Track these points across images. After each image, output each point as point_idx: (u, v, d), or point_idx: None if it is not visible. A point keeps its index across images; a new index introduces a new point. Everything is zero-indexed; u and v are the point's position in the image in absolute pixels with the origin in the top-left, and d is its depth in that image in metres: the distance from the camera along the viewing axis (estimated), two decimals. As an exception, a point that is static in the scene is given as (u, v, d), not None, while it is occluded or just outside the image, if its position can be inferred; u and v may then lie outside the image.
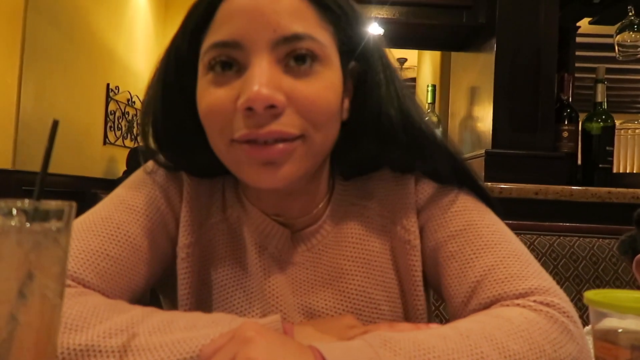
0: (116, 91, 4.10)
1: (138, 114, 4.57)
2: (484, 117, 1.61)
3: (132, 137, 4.44)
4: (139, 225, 0.63)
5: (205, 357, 0.45)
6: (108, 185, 0.70)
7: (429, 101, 1.81)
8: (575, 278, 1.13)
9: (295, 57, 0.55)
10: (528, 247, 1.14)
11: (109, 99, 4.02)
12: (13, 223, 0.37)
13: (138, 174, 0.68)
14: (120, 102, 4.20)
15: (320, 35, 0.56)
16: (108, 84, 3.99)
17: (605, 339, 0.44)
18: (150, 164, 0.69)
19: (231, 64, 0.55)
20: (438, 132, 0.65)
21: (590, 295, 0.45)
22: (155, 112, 0.63)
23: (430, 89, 1.85)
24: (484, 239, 0.59)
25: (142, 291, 0.63)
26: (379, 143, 0.62)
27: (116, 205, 0.64)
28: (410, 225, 0.64)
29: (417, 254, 0.64)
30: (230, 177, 0.67)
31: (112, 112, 4.08)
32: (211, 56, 0.56)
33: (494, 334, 0.48)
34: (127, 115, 4.33)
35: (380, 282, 0.66)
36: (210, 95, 0.56)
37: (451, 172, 0.64)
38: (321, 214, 0.66)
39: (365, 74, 0.61)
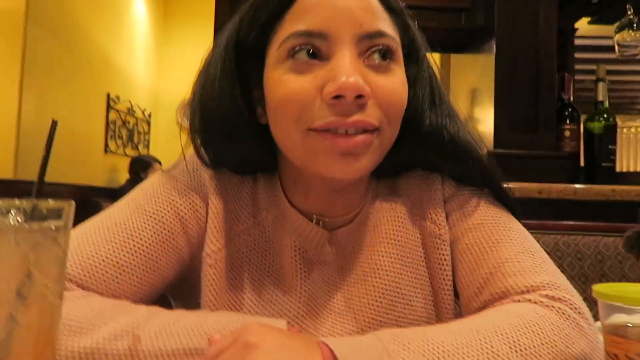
0: (117, 100, 4.11)
1: (139, 123, 4.64)
2: (485, 118, 1.60)
3: (133, 145, 4.45)
4: (155, 233, 0.60)
5: (208, 359, 0.45)
6: (110, 193, 0.68)
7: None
8: (581, 277, 1.12)
9: (377, 52, 0.57)
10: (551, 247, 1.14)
11: (110, 108, 4.03)
12: (11, 222, 0.37)
13: (158, 178, 0.66)
14: (121, 111, 4.21)
15: (395, 36, 0.59)
16: (108, 94, 4.00)
17: (616, 333, 0.43)
18: (177, 165, 0.66)
19: (315, 53, 0.56)
20: (470, 135, 0.66)
21: (599, 288, 0.44)
22: (205, 103, 0.61)
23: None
24: (499, 234, 0.61)
25: (151, 299, 0.62)
26: (420, 146, 0.64)
27: (132, 210, 0.61)
28: (440, 220, 0.65)
29: (447, 248, 0.64)
30: (263, 180, 0.67)
31: (113, 121, 4.09)
32: (294, 44, 0.55)
33: (505, 329, 0.48)
34: (127, 124, 4.34)
35: (413, 278, 0.66)
36: (291, 83, 0.55)
37: (477, 175, 0.66)
38: (357, 213, 0.66)
39: (415, 78, 0.63)
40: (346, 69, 0.53)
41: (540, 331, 0.49)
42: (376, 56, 0.56)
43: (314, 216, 0.65)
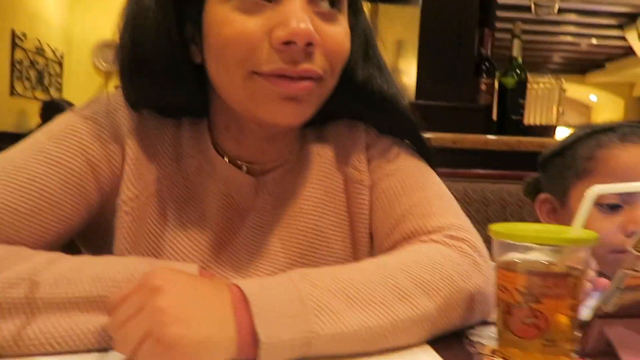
0: (23, 38, 3.75)
1: (49, 64, 4.28)
2: (409, 70, 1.64)
3: (44, 88, 4.12)
4: (60, 179, 0.57)
5: (112, 306, 0.44)
6: (17, 139, 0.63)
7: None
8: (485, 221, 1.22)
9: (323, 6, 0.56)
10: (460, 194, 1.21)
11: (15, 46, 3.67)
12: None
13: (66, 119, 0.61)
14: (29, 50, 3.86)
15: None
16: (13, 30, 3.63)
17: (505, 268, 0.47)
18: (90, 106, 0.62)
19: None
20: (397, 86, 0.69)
21: (493, 227, 0.48)
22: (136, 36, 0.57)
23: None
24: (413, 180, 0.65)
25: (55, 247, 0.59)
26: (350, 97, 0.65)
27: (35, 153, 0.57)
28: (362, 166, 0.68)
29: (367, 193, 0.67)
30: (189, 125, 0.65)
31: (19, 61, 3.74)
32: None
33: (410, 266, 0.52)
34: (36, 65, 3.99)
35: (334, 221, 0.68)
36: (237, 23, 0.53)
37: (400, 126, 0.69)
38: (286, 159, 0.67)
39: (353, 29, 0.62)
40: (298, 14, 0.52)
41: (441, 267, 0.53)
42: (325, 4, 0.56)
43: (243, 164, 0.65)
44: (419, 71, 1.55)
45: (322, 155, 0.70)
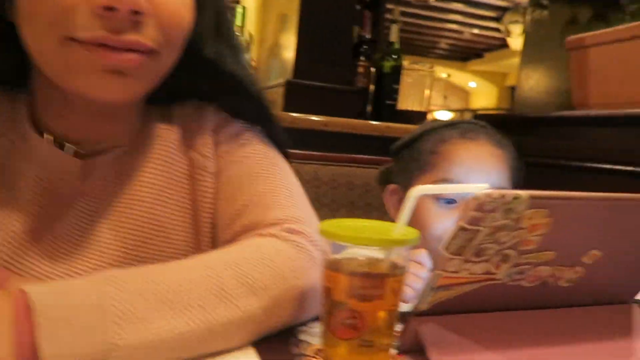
0: None
1: None
2: (289, 46, 1.60)
3: None
4: None
5: None
6: None
7: (237, 24, 1.73)
8: (349, 205, 1.24)
9: None
10: (312, 176, 1.21)
11: None
12: None
13: None
14: None
15: None
16: None
17: (330, 267, 0.46)
18: None
19: None
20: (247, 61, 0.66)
21: (322, 225, 0.47)
22: None
23: (240, 10, 1.76)
24: (260, 168, 0.62)
25: None
26: (197, 74, 0.62)
27: None
28: (207, 151, 0.63)
29: (212, 180, 0.63)
30: (2, 98, 0.56)
31: None
32: None
33: (239, 263, 0.49)
34: None
35: (174, 211, 0.63)
36: None
37: (252, 111, 0.66)
38: (122, 140, 0.61)
39: (203, 2, 0.58)
40: None
41: (273, 264, 0.50)
42: None
43: (70, 145, 0.57)
44: (298, 49, 1.52)
45: (164, 138, 0.64)
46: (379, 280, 0.45)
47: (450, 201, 0.79)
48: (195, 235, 0.65)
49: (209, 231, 0.64)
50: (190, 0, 0.55)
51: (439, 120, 0.87)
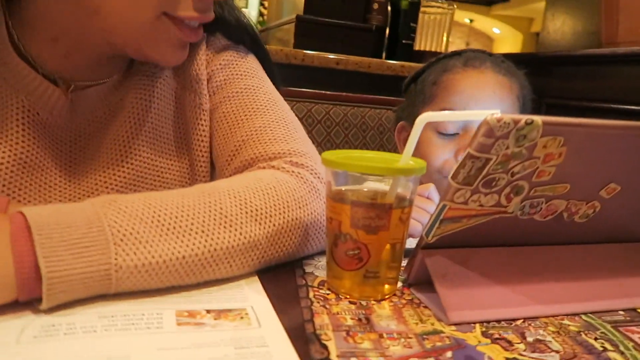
0: None
1: None
2: (300, -19, 1.53)
3: None
4: None
5: None
6: None
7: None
8: (362, 146, 1.22)
9: None
10: (323, 117, 1.18)
11: None
12: None
13: None
14: None
15: None
16: None
17: (333, 197, 0.45)
18: None
19: None
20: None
21: (325, 155, 0.45)
22: None
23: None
24: (257, 103, 0.62)
25: None
26: None
27: None
28: (201, 89, 0.63)
29: (207, 118, 0.63)
30: None
31: None
32: None
33: (240, 192, 0.48)
34: None
35: (168, 149, 0.63)
36: None
37: (244, 35, 0.67)
38: (111, 73, 0.61)
39: None
40: None
41: (275, 194, 0.50)
42: None
43: (59, 79, 0.56)
44: (309, -17, 1.45)
45: (157, 81, 0.63)
46: (384, 211, 0.44)
47: (451, 132, 0.76)
48: (191, 174, 0.65)
49: (206, 170, 0.64)
50: None
51: (447, 52, 0.83)
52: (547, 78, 1.59)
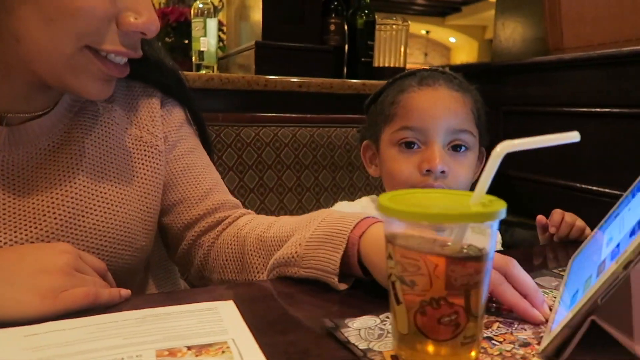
0: None
1: None
2: (256, 7, 1.55)
3: None
4: None
5: None
6: None
7: (203, -14, 1.66)
8: (331, 165, 1.23)
9: None
10: (290, 139, 1.19)
11: None
12: None
13: None
14: None
15: None
16: None
17: (420, 255, 0.37)
18: None
19: None
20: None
21: (383, 201, 0.38)
22: None
23: (204, -28, 1.69)
24: (205, 160, 0.76)
25: None
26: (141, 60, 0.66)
27: None
28: (158, 132, 0.70)
29: (163, 160, 0.69)
30: None
31: None
32: None
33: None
34: None
35: (118, 183, 0.65)
36: None
37: (178, 90, 0.74)
38: (55, 105, 0.62)
39: None
40: (149, 3, 0.55)
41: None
42: None
43: None
44: (265, 10, 1.47)
45: (103, 116, 0.66)
46: (479, 263, 0.37)
47: (409, 145, 0.79)
48: (140, 206, 0.67)
49: (156, 203, 0.69)
50: None
51: (403, 72, 0.86)
52: (503, 86, 1.66)
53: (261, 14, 1.47)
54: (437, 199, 0.41)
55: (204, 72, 1.57)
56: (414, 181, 0.77)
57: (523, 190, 1.59)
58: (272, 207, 1.17)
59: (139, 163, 0.67)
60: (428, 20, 11.28)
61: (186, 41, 1.76)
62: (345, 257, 0.54)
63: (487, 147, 0.87)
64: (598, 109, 1.35)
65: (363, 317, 0.47)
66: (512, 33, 1.89)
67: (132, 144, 0.68)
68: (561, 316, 0.41)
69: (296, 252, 0.57)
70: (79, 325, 0.44)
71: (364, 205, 0.86)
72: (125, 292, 0.52)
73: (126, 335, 0.42)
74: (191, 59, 1.63)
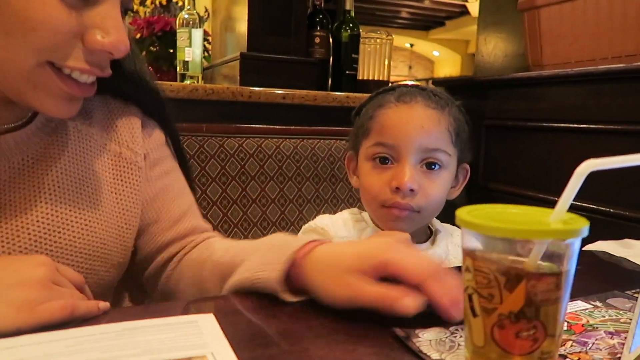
0: None
1: None
2: (241, 19, 1.56)
3: None
4: None
5: None
6: None
7: (188, -3, 1.66)
8: (314, 177, 1.24)
9: (126, 8, 0.57)
10: (274, 151, 1.20)
11: None
12: None
13: None
14: None
15: None
16: None
17: (497, 270, 0.38)
18: None
19: None
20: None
21: (465, 217, 0.38)
22: None
23: (190, -17, 1.70)
24: (182, 183, 0.76)
25: None
26: (120, 75, 0.66)
27: None
28: (138, 149, 0.69)
29: (142, 176, 0.69)
30: None
31: None
32: None
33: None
34: None
35: (95, 198, 0.64)
36: (53, 11, 0.49)
37: (157, 110, 0.74)
38: (31, 119, 0.61)
39: None
40: (119, 22, 0.53)
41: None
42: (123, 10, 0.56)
43: None
44: (250, 21, 1.48)
45: (82, 132, 0.65)
46: (559, 279, 0.37)
47: (383, 160, 0.79)
48: (121, 224, 0.66)
49: (135, 219, 0.68)
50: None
51: (387, 86, 0.87)
52: (485, 101, 1.68)
53: (247, 26, 1.48)
54: (516, 215, 0.42)
55: (188, 82, 1.57)
56: (383, 197, 0.77)
57: (505, 203, 1.61)
58: (255, 219, 1.17)
59: (118, 179, 0.67)
60: (412, 33, 11.45)
61: (171, 50, 1.76)
62: (291, 274, 0.54)
63: (471, 163, 0.87)
64: (576, 125, 1.38)
65: (434, 328, 0.47)
66: (494, 48, 1.93)
67: (112, 160, 0.67)
68: None
69: (247, 278, 0.56)
70: (56, 339, 0.43)
71: (345, 219, 0.86)
72: (103, 304, 0.51)
73: (104, 349, 0.42)
74: (176, 68, 1.63)
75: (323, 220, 0.85)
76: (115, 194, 0.66)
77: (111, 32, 0.52)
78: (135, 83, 0.69)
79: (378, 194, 0.78)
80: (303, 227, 0.86)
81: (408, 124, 0.77)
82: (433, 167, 0.78)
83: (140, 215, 0.70)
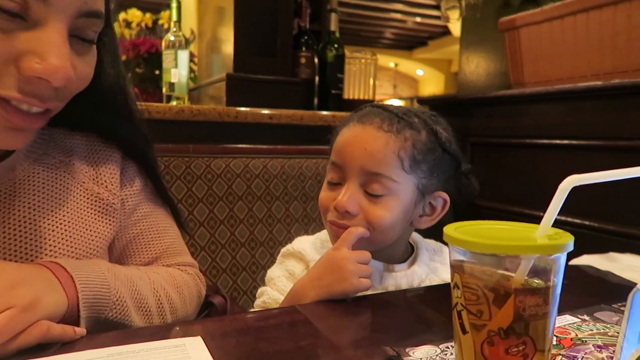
0: None
1: None
2: (227, 40, 1.57)
3: None
4: None
5: None
6: None
7: (174, 19, 1.68)
8: (302, 196, 1.24)
9: (83, 37, 0.53)
10: (261, 170, 1.20)
11: None
12: None
13: None
14: None
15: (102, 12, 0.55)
16: None
17: (485, 286, 0.39)
18: None
19: (20, 14, 0.47)
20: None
21: (451, 233, 0.40)
22: None
23: (174, 5, 1.71)
24: (164, 223, 0.76)
25: None
26: (97, 108, 0.66)
27: None
28: (116, 191, 0.69)
29: (118, 219, 0.69)
30: None
31: None
32: None
33: (167, 289, 0.68)
34: None
35: (65, 239, 0.63)
36: None
37: (141, 149, 0.73)
38: (1, 159, 0.60)
39: (101, 49, 0.60)
40: (62, 51, 0.49)
41: (184, 283, 0.73)
42: (89, 33, 0.54)
43: None
44: (236, 42, 1.50)
45: (61, 168, 0.65)
46: (547, 294, 0.38)
47: (333, 179, 0.78)
48: (86, 254, 0.66)
49: (103, 252, 0.68)
50: (95, 54, 0.58)
51: (364, 104, 0.86)
52: (469, 118, 1.71)
53: (233, 47, 1.49)
54: (502, 231, 0.42)
55: (174, 103, 1.57)
56: (329, 216, 0.77)
57: (490, 219, 1.62)
58: (243, 239, 1.16)
59: (93, 220, 0.66)
60: (396, 53, 11.61)
61: (157, 72, 1.76)
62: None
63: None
64: (558, 141, 1.40)
65: (424, 346, 0.47)
66: (477, 67, 1.97)
67: (88, 200, 0.66)
68: (628, 353, 0.42)
69: None
70: (39, 367, 0.42)
71: (322, 239, 0.85)
72: (80, 330, 0.50)
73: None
74: (162, 89, 1.63)
75: (301, 244, 0.84)
76: (89, 233, 0.65)
77: (49, 59, 0.47)
78: (124, 117, 0.68)
79: (325, 212, 0.78)
80: (282, 251, 0.85)
81: (353, 145, 0.75)
82: (374, 192, 0.74)
83: (117, 260, 0.70)
